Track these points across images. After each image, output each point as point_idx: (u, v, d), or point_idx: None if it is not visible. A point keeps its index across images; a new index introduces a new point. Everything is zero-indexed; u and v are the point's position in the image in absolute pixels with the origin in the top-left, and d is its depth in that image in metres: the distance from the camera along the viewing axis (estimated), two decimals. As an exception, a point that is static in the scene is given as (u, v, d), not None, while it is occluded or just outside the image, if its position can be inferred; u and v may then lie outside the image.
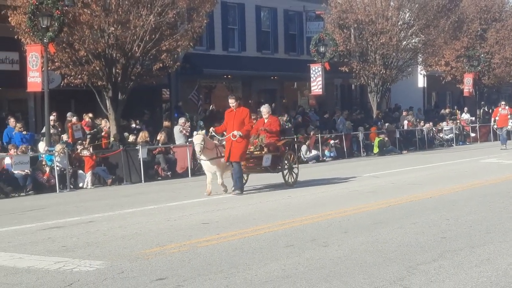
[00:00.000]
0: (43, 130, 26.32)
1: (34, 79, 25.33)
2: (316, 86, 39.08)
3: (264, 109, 21.34)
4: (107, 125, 28.40)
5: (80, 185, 24.30)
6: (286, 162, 20.72)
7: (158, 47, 28.10)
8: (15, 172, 22.49)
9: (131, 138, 27.97)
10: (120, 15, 26.84)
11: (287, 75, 44.18)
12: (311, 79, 39.22)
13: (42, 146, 25.44)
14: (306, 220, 13.68)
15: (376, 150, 37.00)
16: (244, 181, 19.93)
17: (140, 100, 32.81)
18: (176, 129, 29.64)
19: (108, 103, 28.38)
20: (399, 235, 11.74)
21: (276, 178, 20.99)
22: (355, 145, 37.27)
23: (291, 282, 8.56)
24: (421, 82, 56.82)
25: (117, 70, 27.85)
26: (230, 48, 41.45)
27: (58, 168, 23.38)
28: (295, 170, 21.14)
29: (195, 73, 37.58)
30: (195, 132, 20.16)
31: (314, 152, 33.75)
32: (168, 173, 27.10)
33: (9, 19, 25.84)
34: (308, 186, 20.79)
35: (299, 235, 11.90)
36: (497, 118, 38.41)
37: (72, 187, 23.71)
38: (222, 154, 19.42)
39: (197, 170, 28.37)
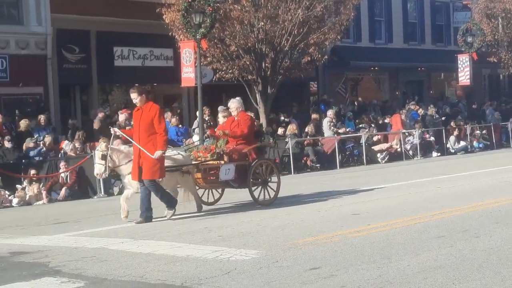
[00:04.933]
0: (195, 125, 27.06)
1: (188, 75, 26.03)
2: (464, 76, 38.41)
3: (232, 105, 16.18)
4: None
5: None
6: (256, 174, 15.75)
7: (306, 41, 28.43)
8: (170, 164, 23.19)
9: (280, 130, 28.39)
10: (269, 10, 27.33)
11: (434, 66, 43.60)
12: (459, 70, 38.57)
13: (196, 139, 26.16)
14: (456, 211, 13.55)
15: (526, 140, 36.12)
16: (202, 200, 15.93)
17: (288, 93, 33.19)
18: (325, 121, 29.87)
19: (258, 96, 28.97)
20: (555, 226, 11.47)
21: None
22: (504, 136, 36.49)
23: (444, 272, 8.52)
24: None
25: (267, 64, 28.35)
26: (377, 40, 41.30)
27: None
28: (274, 185, 16.11)
29: (342, 65, 37.66)
30: (99, 145, 15.08)
31: (462, 143, 33.34)
32: (317, 165, 27.37)
33: (164, 16, 26.77)
34: (456, 177, 20.54)
35: (450, 226, 11.80)
36: None
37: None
38: None
39: (345, 162, 28.62)
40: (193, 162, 15.19)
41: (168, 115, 26.97)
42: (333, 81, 38.45)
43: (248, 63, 28.03)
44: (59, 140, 24.05)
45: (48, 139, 22.52)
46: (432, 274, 8.50)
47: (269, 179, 16.01)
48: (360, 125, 32.11)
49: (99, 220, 14.18)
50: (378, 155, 29.82)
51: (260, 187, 15.83)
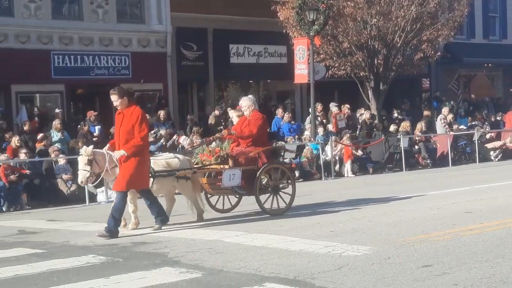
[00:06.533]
0: (307, 121, 27.29)
1: (301, 71, 26.35)
2: None
3: (244, 103, 14.63)
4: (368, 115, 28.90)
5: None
6: (265, 180, 14.19)
7: (419, 37, 28.35)
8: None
9: (392, 127, 28.33)
10: (382, 6, 27.35)
11: (550, 63, 42.62)
12: None
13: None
14: None
15: None
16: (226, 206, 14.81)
17: (400, 89, 33.09)
18: (439, 118, 29.64)
19: (370, 93, 29.03)
20: None
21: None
22: None
23: (560, 273, 8.42)
24: None
25: (379, 61, 28.38)
26: (491, 36, 40.63)
27: (323, 156, 24.27)
28: (288, 192, 14.51)
29: (455, 62, 37.26)
30: (82, 149, 12.93)
31: None
32: (429, 162, 27.22)
33: (278, 14, 27.18)
34: None
35: None
36: None
37: (335, 175, 24.46)
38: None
39: (457, 160, 28.34)
40: (195, 167, 13.89)
41: (279, 111, 27.32)
42: (446, 77, 38.08)
43: (360, 59, 28.13)
44: (178, 135, 24.71)
45: (163, 132, 23.21)
46: (549, 274, 8.39)
47: (286, 186, 14.52)
48: (473, 123, 31.73)
49: (214, 213, 14.54)
50: (491, 153, 29.40)
51: (270, 194, 14.24)
